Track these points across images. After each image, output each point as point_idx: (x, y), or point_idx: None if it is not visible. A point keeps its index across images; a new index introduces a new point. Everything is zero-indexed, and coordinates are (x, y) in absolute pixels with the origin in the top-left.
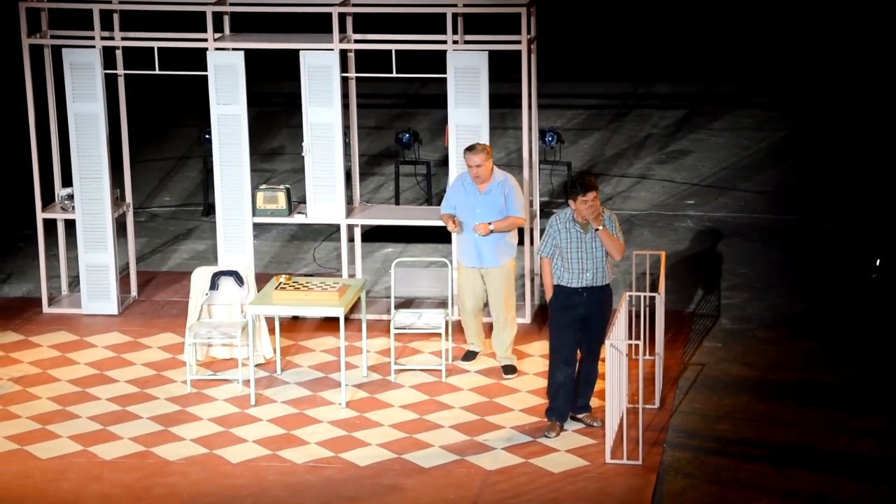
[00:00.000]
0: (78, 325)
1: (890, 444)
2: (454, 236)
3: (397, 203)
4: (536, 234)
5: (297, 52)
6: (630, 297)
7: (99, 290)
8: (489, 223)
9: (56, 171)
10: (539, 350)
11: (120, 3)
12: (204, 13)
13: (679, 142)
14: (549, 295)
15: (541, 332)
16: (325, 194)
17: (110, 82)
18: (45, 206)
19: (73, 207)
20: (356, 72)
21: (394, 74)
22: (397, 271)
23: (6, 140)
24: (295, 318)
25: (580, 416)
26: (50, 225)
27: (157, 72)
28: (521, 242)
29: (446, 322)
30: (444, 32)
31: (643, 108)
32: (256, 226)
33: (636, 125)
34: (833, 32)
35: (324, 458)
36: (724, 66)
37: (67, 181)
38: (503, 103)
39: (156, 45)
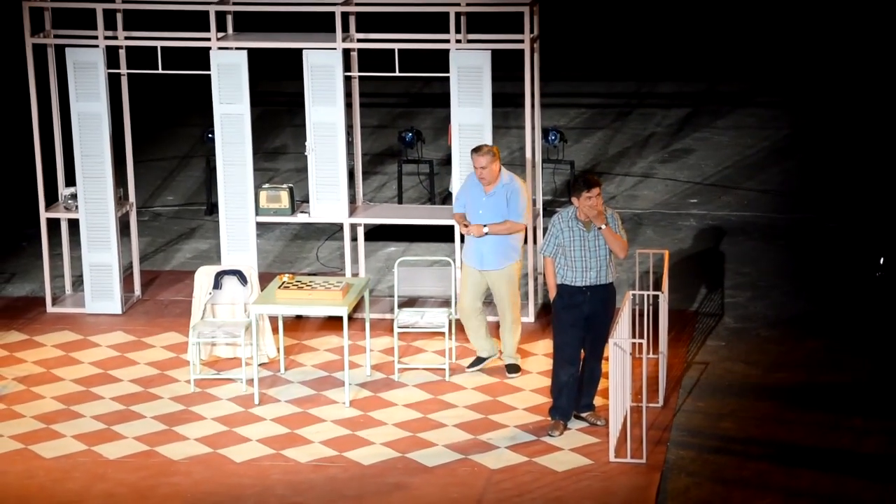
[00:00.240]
0: (82, 324)
1: (895, 442)
2: (459, 235)
3: (400, 202)
4: (540, 232)
5: (300, 51)
6: (633, 295)
7: (102, 290)
8: (484, 225)
9: (59, 171)
10: (542, 349)
11: (123, 2)
12: (207, 12)
13: (682, 141)
14: (552, 294)
15: (544, 332)
16: (328, 193)
17: (113, 82)
18: (48, 206)
19: (77, 207)
20: (359, 71)
21: (397, 73)
22: (400, 270)
23: (10, 139)
24: (298, 317)
25: (584, 414)
26: (53, 224)
27: (160, 71)
28: (524, 241)
29: (449, 321)
30: (447, 31)
31: (646, 107)
32: (260, 225)
33: (639, 124)
34: (836, 31)
35: (328, 457)
36: (727, 64)
37: (71, 180)
38: (506, 102)
39: (159, 44)
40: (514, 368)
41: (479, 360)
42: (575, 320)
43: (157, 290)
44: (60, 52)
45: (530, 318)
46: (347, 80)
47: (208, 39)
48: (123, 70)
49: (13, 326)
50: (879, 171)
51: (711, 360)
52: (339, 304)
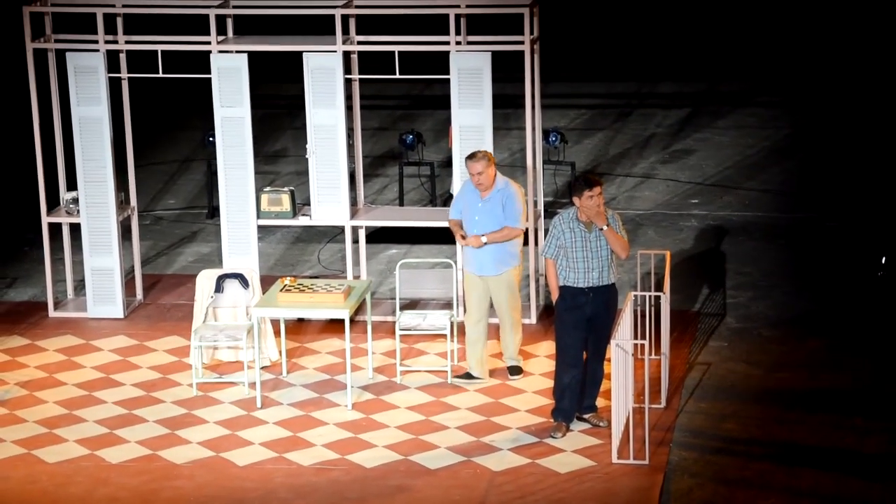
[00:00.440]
0: (84, 328)
1: None
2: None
3: (401, 204)
4: (541, 234)
5: (300, 54)
6: (635, 296)
7: (104, 294)
8: (483, 235)
9: (61, 175)
10: (545, 351)
11: (123, 6)
12: (207, 16)
13: (683, 141)
14: (554, 296)
15: (546, 333)
16: (329, 196)
17: (114, 85)
18: (50, 210)
19: (78, 211)
20: (359, 73)
21: (397, 76)
22: (402, 273)
23: (11, 144)
24: (300, 320)
25: (586, 416)
26: (55, 229)
27: (160, 75)
28: (525, 243)
29: (451, 323)
30: (447, 33)
31: (647, 108)
32: (261, 228)
33: (640, 125)
34: (836, 30)
35: (330, 459)
36: (727, 64)
37: (72, 185)
38: (506, 104)
39: (159, 48)
40: (516, 370)
41: (469, 377)
42: (577, 322)
43: (159, 293)
44: (61, 56)
45: (532, 320)
46: (348, 82)
47: (208, 43)
48: (124, 74)
49: (15, 331)
50: (880, 171)
51: (713, 361)
52: (341, 307)
